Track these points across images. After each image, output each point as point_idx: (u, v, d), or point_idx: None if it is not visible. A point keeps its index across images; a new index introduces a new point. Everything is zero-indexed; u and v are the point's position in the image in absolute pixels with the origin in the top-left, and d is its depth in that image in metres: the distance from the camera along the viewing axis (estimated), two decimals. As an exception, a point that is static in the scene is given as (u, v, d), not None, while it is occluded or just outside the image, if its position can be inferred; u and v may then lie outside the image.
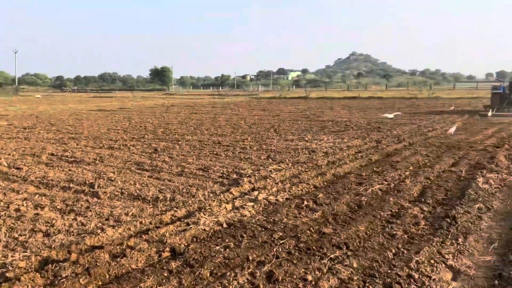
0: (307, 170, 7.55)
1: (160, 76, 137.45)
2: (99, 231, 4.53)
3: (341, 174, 7.39)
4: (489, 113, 18.52)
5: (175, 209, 5.27)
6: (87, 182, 6.67)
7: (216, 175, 7.20)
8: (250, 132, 13.48)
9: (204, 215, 4.98)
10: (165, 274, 3.56)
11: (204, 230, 4.56)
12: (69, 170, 7.66)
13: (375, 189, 6.27)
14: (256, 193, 5.93)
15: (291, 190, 6.20)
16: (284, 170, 7.45)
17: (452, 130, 12.74)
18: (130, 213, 5.15)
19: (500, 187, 6.47)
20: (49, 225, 4.78)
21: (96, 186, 6.39)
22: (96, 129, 14.67)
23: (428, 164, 8.13)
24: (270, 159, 8.57)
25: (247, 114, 21.34)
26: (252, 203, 5.46)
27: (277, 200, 5.72)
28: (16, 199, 5.82)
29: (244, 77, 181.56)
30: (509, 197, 6.02)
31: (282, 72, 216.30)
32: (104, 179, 6.89)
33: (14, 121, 17.69)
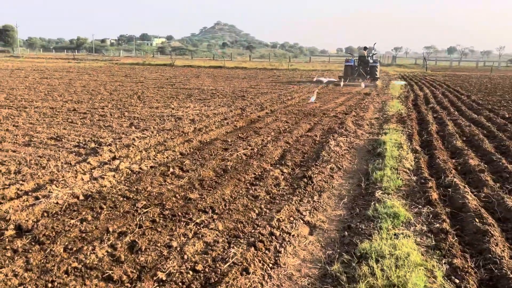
0: (173, 137, 7.36)
1: (2, 36, 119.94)
2: None
3: (208, 140, 7.38)
4: (341, 83, 20.78)
5: (21, 182, 4.64)
6: None
7: (71, 145, 6.57)
8: (111, 99, 12.62)
9: (57, 187, 4.49)
10: (9, 254, 3.12)
11: (57, 203, 4.11)
12: None
13: (240, 154, 6.41)
14: (117, 162, 5.56)
15: (156, 158, 5.97)
16: (148, 137, 7.14)
17: (312, 98, 13.72)
18: (-38, 190, 4.38)
19: (348, 149, 7.18)
20: None
21: None
22: None
23: (287, 129, 8.61)
24: (133, 127, 8.14)
25: (107, 80, 19.92)
26: (112, 173, 5.10)
27: (140, 168, 5.45)
28: None
29: (103, 41, 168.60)
30: (355, 157, 6.72)
31: (145, 37, 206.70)
32: None
33: None
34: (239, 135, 7.88)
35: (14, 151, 6.08)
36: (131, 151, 6.24)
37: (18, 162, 5.47)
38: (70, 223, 3.69)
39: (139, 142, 6.76)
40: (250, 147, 6.85)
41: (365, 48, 23.81)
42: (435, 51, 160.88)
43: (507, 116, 10.73)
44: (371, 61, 23.03)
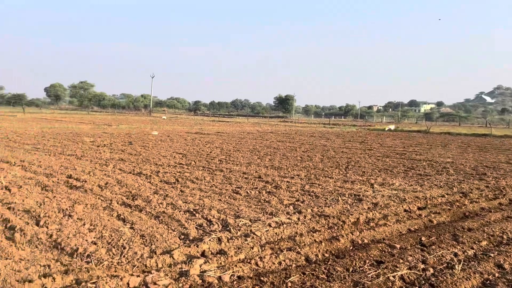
0: (319, 229, 5.39)
1: (284, 104, 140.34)
2: None
3: (366, 241, 5.08)
4: None
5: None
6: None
7: (185, 218, 5.48)
8: (314, 167, 11.41)
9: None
10: None
11: None
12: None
13: (395, 276, 3.94)
14: (200, 262, 4.08)
15: (261, 264, 4.20)
16: (288, 225, 5.42)
17: None
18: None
19: None
20: None
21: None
22: (156, 152, 14.05)
23: (519, 239, 5.28)
24: (291, 207, 6.55)
25: (336, 146, 19.07)
26: (169, 281, 3.64)
27: (220, 279, 3.79)
28: None
29: (370, 107, 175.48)
30: None
31: (413, 104, 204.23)
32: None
33: (98, 139, 18.28)
34: (423, 238, 5.19)
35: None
36: (246, 244, 4.66)
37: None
38: None
39: (267, 230, 5.12)
40: (422, 265, 4.22)
41: None
42: None
43: None
44: None
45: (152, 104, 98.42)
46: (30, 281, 3.42)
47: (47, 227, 5.02)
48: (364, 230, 5.39)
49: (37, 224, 5.17)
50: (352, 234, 5.19)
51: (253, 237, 4.88)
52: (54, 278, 3.49)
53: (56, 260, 4.02)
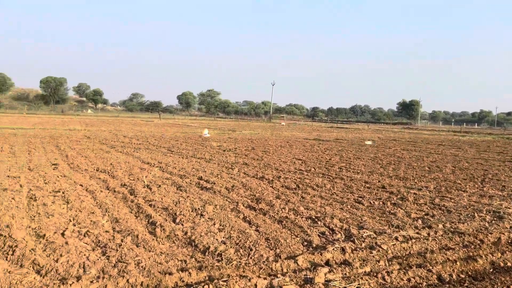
0: (453, 247, 4.97)
1: (408, 109, 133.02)
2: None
3: (509, 264, 4.52)
4: None
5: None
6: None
7: (307, 225, 5.48)
8: (444, 178, 10.58)
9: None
10: None
11: None
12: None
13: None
14: (325, 270, 4.06)
15: (388, 278, 4.01)
16: (416, 240, 5.10)
17: None
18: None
19: None
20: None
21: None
22: (276, 157, 14.37)
23: None
24: (420, 221, 6.16)
25: (469, 156, 17.39)
26: (294, 287, 3.68)
27: (344, 289, 3.73)
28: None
29: (509, 114, 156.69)
30: None
31: None
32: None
33: (223, 143, 19.41)
34: None
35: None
36: (371, 257, 4.51)
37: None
38: None
39: (394, 244, 4.88)
40: None
41: None
42: None
43: None
44: None
45: (271, 111, 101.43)
46: (170, 274, 3.77)
47: (182, 225, 5.49)
48: (507, 252, 4.82)
49: (174, 221, 5.69)
50: (492, 255, 4.68)
51: (378, 250, 4.70)
52: (190, 273, 3.79)
53: (191, 256, 4.37)
